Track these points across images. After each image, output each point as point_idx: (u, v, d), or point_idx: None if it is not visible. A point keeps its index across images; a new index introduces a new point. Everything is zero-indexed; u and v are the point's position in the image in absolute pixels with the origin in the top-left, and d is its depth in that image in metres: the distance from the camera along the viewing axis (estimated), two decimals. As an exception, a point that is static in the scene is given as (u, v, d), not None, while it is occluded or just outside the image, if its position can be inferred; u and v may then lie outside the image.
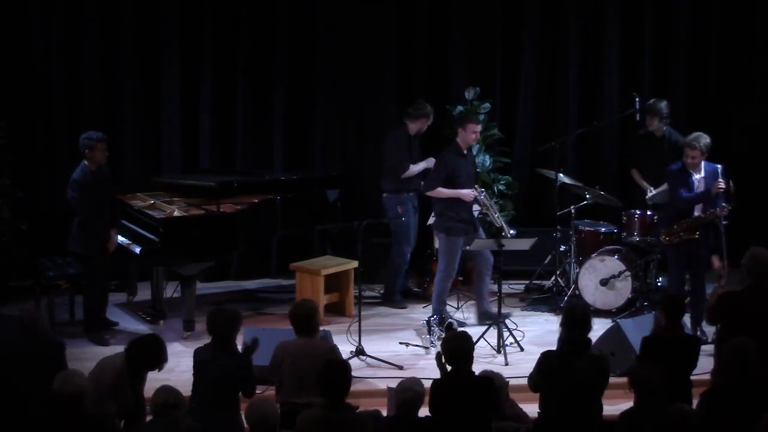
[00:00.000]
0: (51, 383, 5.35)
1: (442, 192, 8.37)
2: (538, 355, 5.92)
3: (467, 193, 8.39)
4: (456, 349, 5.67)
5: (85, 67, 9.78)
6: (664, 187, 8.63)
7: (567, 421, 5.63)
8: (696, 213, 7.94)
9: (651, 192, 8.81)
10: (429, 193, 8.50)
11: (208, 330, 6.11)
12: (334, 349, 6.28)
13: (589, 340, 5.87)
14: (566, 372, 5.66)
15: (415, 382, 5.73)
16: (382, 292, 9.41)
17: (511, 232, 8.47)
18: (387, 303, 9.27)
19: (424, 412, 5.65)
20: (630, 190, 9.35)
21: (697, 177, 7.95)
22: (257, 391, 6.17)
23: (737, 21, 10.31)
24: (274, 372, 6.11)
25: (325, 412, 5.07)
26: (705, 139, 7.93)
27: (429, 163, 9.07)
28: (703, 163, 7.95)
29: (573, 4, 10.32)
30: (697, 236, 7.88)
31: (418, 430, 5.54)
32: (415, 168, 9.11)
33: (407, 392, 5.59)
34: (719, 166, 7.95)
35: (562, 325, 5.88)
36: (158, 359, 5.92)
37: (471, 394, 5.55)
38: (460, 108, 9.84)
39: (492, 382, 5.71)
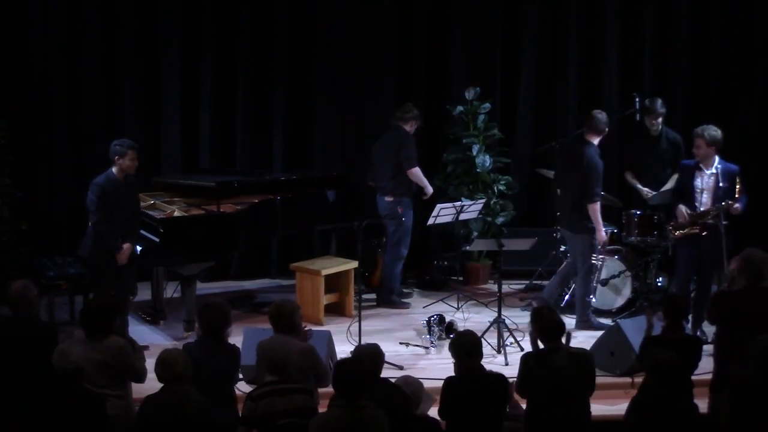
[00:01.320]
0: (45, 368, 5.36)
1: (597, 213, 8.27)
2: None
3: (604, 239, 8.42)
4: (469, 343, 5.66)
5: (85, 67, 9.77)
6: (666, 187, 8.64)
7: (551, 420, 5.63)
8: (702, 208, 7.90)
9: (649, 193, 8.81)
10: (591, 205, 8.24)
11: (200, 325, 6.08)
12: (310, 350, 6.11)
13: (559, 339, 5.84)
14: (545, 371, 5.66)
15: (412, 381, 5.73)
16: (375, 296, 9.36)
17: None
18: (385, 305, 9.24)
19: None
20: (630, 190, 9.34)
21: (708, 172, 7.87)
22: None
23: (737, 21, 10.31)
24: (258, 370, 6.07)
25: (341, 411, 5.06)
26: (710, 130, 7.82)
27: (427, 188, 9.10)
28: (717, 158, 7.88)
29: (573, 4, 10.32)
30: (697, 230, 7.84)
31: (418, 429, 5.53)
32: (421, 175, 9.03)
33: (407, 388, 5.58)
34: (736, 167, 7.93)
35: (531, 326, 5.89)
36: (109, 320, 5.88)
37: (485, 390, 5.55)
38: (460, 108, 9.84)
39: (505, 379, 5.71)
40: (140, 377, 5.96)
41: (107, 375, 5.76)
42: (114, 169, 7.72)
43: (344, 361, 5.40)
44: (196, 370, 5.83)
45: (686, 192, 7.95)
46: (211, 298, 7.16)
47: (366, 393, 5.14)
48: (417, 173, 9.04)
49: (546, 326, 5.78)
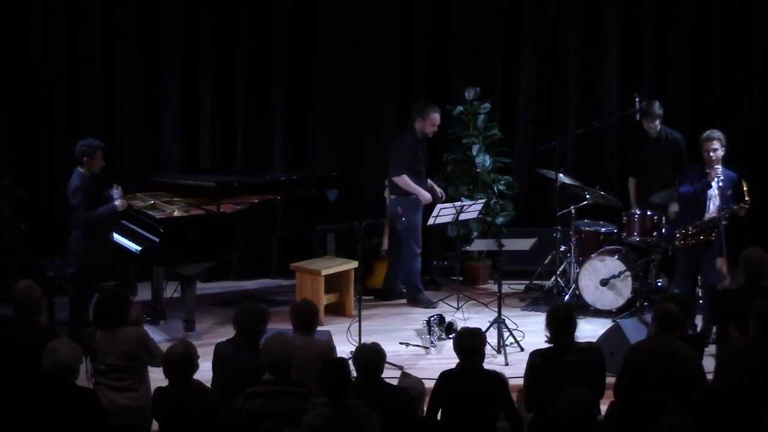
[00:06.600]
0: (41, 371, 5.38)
1: None
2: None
3: None
4: (468, 345, 5.65)
5: (85, 67, 9.77)
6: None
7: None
8: (708, 215, 7.88)
9: (636, 210, 8.86)
10: None
11: (234, 325, 6.03)
12: (333, 348, 6.25)
13: (573, 336, 5.81)
14: (556, 368, 5.65)
15: (416, 380, 5.72)
16: (404, 291, 9.33)
17: None
18: (413, 303, 9.19)
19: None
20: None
21: (719, 179, 7.82)
22: None
23: (737, 21, 10.32)
24: None
25: (329, 411, 5.07)
26: (719, 132, 7.83)
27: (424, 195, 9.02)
28: (720, 168, 7.85)
29: (573, 3, 10.32)
30: (713, 238, 7.81)
31: (419, 428, 5.53)
32: (409, 183, 8.94)
33: (413, 389, 5.58)
34: (735, 174, 7.92)
35: (547, 325, 5.86)
36: (120, 314, 5.93)
37: (479, 389, 5.54)
38: (460, 108, 9.85)
39: (501, 377, 5.70)
40: (159, 362, 6.00)
41: (128, 365, 5.87)
42: (81, 169, 7.78)
43: (328, 360, 5.40)
44: (220, 365, 5.87)
45: (701, 199, 7.89)
46: (248, 302, 7.01)
47: (353, 391, 5.15)
48: (404, 181, 8.94)
49: (560, 321, 5.75)
